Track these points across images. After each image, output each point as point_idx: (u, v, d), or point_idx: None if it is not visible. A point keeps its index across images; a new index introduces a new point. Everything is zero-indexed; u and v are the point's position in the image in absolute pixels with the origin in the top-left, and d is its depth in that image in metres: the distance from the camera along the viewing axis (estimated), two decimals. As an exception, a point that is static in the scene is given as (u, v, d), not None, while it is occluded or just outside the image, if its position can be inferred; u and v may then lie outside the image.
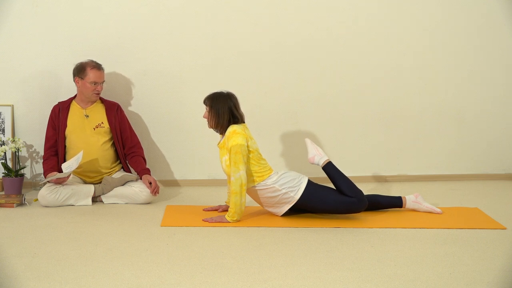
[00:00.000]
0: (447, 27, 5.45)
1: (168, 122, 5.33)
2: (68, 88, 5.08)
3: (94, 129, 4.82)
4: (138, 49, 5.22)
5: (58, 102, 4.91)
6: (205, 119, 4.30)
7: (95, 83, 4.77)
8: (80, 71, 4.78)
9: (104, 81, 4.85)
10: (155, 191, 4.71)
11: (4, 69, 5.15)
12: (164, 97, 5.29)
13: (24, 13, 5.09)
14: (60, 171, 4.75)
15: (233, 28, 5.27)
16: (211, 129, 4.31)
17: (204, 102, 4.28)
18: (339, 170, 4.38)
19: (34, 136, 5.20)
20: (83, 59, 4.85)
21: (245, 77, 5.31)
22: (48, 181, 4.66)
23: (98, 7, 5.14)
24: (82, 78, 4.77)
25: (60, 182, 4.63)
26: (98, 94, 4.82)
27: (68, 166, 4.57)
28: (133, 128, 5.05)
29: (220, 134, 4.31)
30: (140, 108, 5.29)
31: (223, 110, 4.21)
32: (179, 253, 3.59)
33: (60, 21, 5.12)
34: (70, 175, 4.63)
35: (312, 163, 4.47)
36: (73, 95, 4.95)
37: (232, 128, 4.18)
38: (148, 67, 5.25)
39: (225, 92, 4.27)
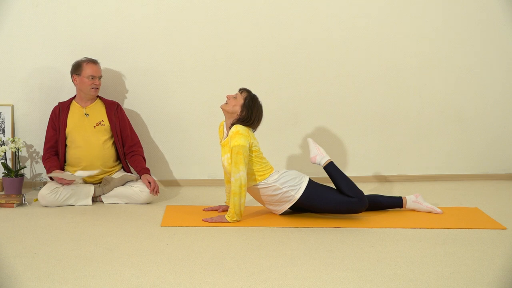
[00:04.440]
0: (447, 27, 5.45)
1: (168, 122, 5.33)
2: (68, 88, 5.09)
3: (94, 127, 4.82)
4: (138, 49, 5.22)
5: (58, 103, 4.91)
6: (221, 103, 4.31)
7: (93, 77, 4.79)
8: (76, 68, 4.81)
9: (101, 76, 4.87)
10: (155, 190, 4.71)
11: (4, 69, 5.15)
12: (164, 97, 5.30)
13: (24, 13, 5.09)
14: (63, 170, 4.78)
15: (233, 28, 5.28)
16: (223, 109, 4.28)
17: (242, 89, 4.29)
18: (340, 170, 4.38)
19: (34, 136, 5.20)
20: (79, 58, 4.87)
21: (245, 77, 5.31)
22: (51, 178, 4.67)
23: (98, 6, 5.14)
24: (79, 75, 4.79)
25: (63, 182, 4.62)
26: (97, 89, 4.83)
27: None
28: (133, 128, 5.05)
29: (226, 121, 4.31)
30: (140, 108, 5.30)
31: (251, 112, 4.22)
32: (179, 253, 3.59)
33: (60, 21, 5.13)
34: (74, 180, 4.63)
35: (314, 163, 4.48)
36: (73, 95, 4.96)
37: (236, 128, 4.19)
38: (148, 67, 5.25)
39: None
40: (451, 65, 5.50)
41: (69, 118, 4.83)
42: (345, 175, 4.35)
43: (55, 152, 4.84)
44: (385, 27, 5.40)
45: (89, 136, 4.80)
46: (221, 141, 4.36)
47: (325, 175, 4.46)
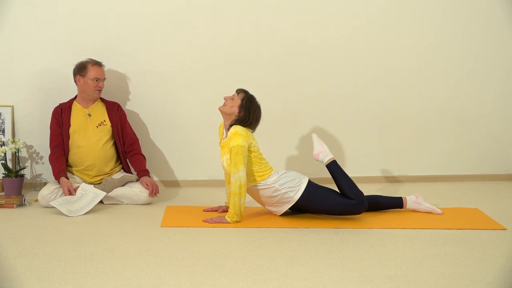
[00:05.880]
0: (447, 28, 5.45)
1: (168, 123, 5.33)
2: (68, 89, 5.09)
3: (97, 127, 4.82)
4: (138, 50, 5.22)
5: (59, 104, 4.91)
6: (221, 104, 4.30)
7: (97, 79, 4.78)
8: (81, 69, 4.79)
9: (105, 78, 4.87)
10: (154, 192, 4.71)
11: (4, 69, 5.15)
12: (164, 97, 5.30)
13: (24, 13, 5.09)
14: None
15: (233, 28, 5.28)
16: (221, 111, 4.28)
17: (239, 90, 4.28)
18: (342, 170, 4.37)
19: (34, 136, 5.20)
20: (83, 59, 4.86)
21: (245, 77, 5.31)
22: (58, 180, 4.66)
23: (98, 7, 5.14)
24: (83, 76, 4.78)
25: (66, 190, 4.59)
26: (100, 91, 4.83)
27: (85, 192, 4.58)
28: (133, 128, 5.05)
29: (224, 122, 4.31)
30: (140, 109, 5.29)
31: (249, 112, 4.22)
32: (179, 254, 3.59)
33: (60, 21, 5.13)
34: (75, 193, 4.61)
35: (317, 160, 4.47)
36: (73, 96, 4.96)
37: (235, 129, 4.19)
38: (148, 68, 5.25)
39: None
40: (451, 66, 5.50)
41: (72, 118, 4.83)
42: (347, 175, 4.34)
43: (63, 152, 4.81)
44: (385, 27, 5.40)
45: (91, 137, 4.80)
46: (220, 142, 4.36)
47: (325, 175, 4.46)
